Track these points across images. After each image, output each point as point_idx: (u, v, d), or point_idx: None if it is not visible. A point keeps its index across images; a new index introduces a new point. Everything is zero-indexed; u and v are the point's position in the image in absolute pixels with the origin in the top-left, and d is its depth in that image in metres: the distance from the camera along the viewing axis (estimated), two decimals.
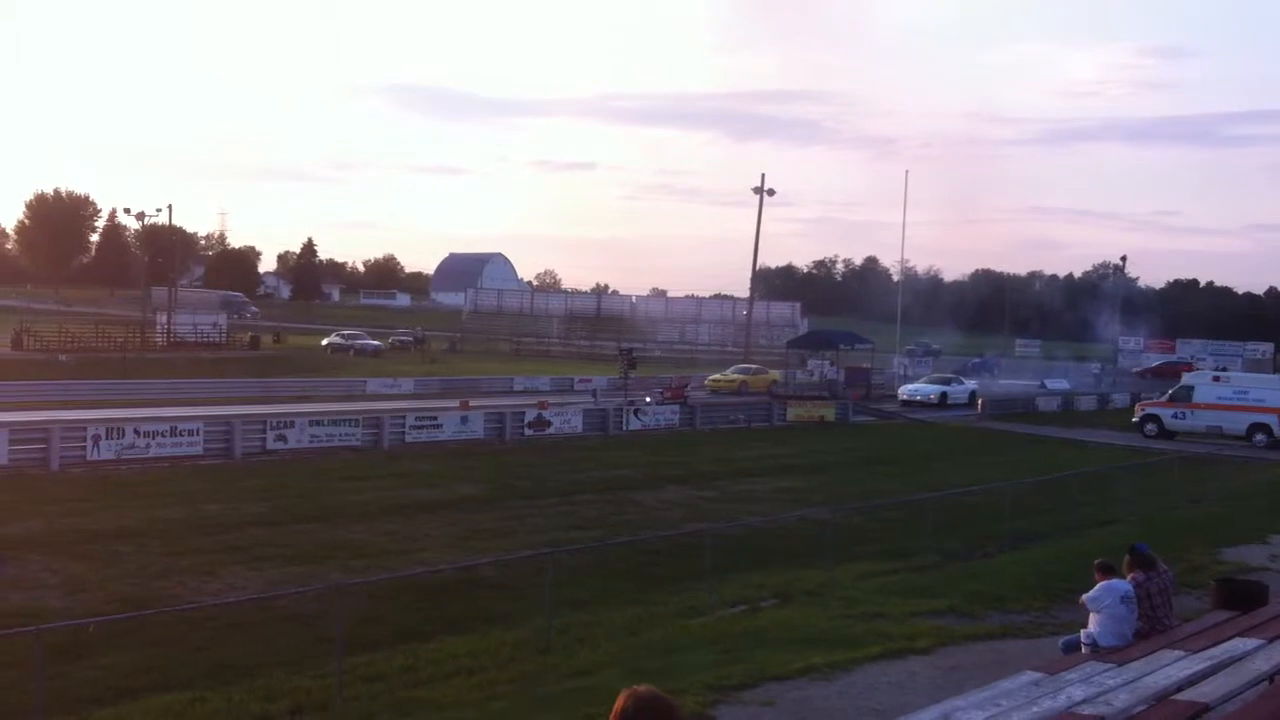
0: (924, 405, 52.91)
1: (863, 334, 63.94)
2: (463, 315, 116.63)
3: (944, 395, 54.39)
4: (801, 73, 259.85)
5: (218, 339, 78.89)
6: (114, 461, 27.00)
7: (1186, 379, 44.89)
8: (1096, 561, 11.25)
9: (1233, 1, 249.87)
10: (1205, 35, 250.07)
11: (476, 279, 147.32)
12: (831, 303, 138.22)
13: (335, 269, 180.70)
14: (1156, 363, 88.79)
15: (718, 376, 58.48)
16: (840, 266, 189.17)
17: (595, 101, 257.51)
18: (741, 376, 58.92)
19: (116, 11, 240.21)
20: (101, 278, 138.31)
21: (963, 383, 57.82)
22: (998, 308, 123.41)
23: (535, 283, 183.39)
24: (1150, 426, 43.19)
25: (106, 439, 27.24)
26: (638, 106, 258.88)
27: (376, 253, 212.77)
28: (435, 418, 35.02)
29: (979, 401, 52.12)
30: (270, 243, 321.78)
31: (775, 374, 61.47)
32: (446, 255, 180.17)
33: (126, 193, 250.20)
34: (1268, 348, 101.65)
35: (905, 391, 55.41)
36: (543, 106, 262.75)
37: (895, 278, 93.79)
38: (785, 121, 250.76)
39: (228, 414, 33.19)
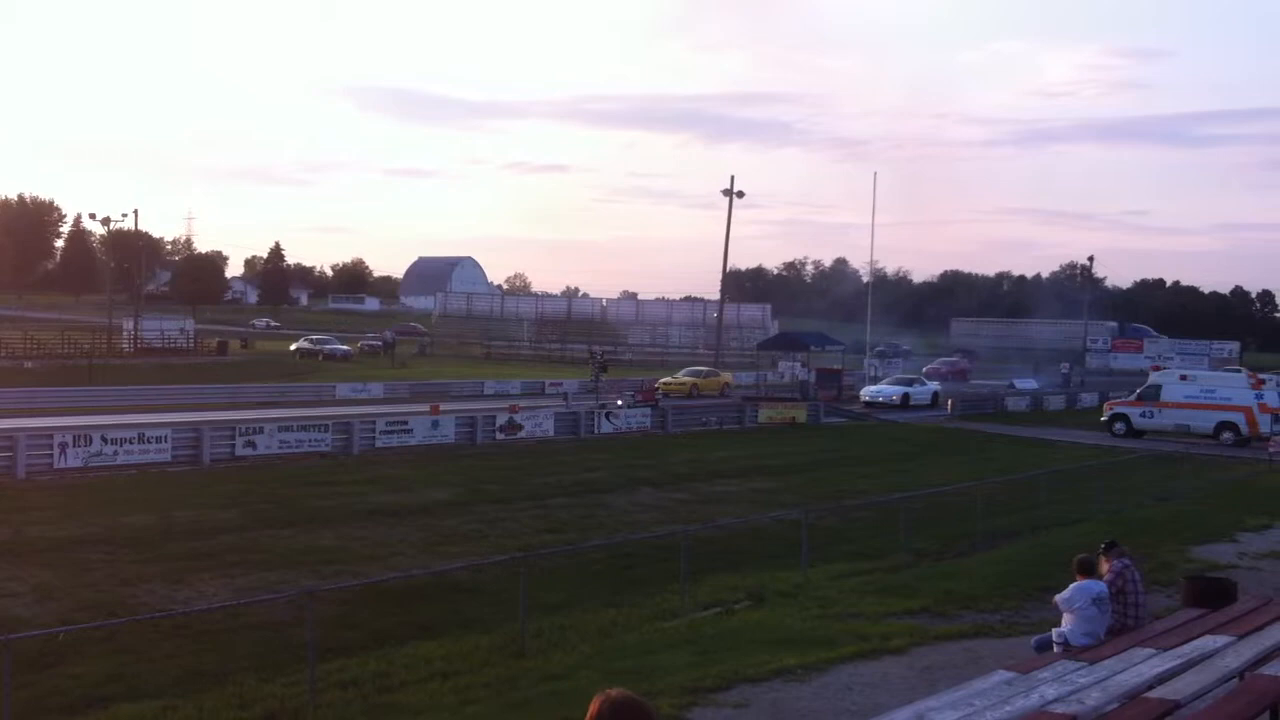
0: (886, 406, 53.00)
1: (833, 335, 64.07)
2: (432, 319, 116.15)
3: (906, 396, 54.36)
4: (774, 74, 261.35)
5: (185, 344, 78.37)
6: (81, 469, 26.73)
7: (1154, 378, 45.11)
8: (1078, 558, 11.29)
9: (1204, 3, 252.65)
10: (1177, 36, 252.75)
11: (446, 282, 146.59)
12: (801, 304, 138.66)
13: (303, 273, 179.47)
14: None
15: (668, 379, 58.44)
16: (810, 268, 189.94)
17: (568, 104, 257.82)
18: (692, 379, 58.96)
19: (82, 14, 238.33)
20: (66, 284, 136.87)
21: (925, 384, 57.94)
22: (967, 308, 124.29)
23: (505, 286, 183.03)
24: (1119, 425, 43.54)
25: (74, 446, 26.96)
26: (610, 109, 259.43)
27: (345, 257, 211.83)
28: (406, 422, 34.87)
29: (948, 402, 52.34)
30: (237, 247, 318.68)
31: (727, 376, 61.55)
32: (415, 259, 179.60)
33: (91, 197, 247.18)
34: (1234, 346, 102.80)
35: (867, 393, 55.05)
36: (515, 109, 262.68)
37: (865, 279, 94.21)
38: (758, 123, 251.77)
39: (196, 420, 32.88)
